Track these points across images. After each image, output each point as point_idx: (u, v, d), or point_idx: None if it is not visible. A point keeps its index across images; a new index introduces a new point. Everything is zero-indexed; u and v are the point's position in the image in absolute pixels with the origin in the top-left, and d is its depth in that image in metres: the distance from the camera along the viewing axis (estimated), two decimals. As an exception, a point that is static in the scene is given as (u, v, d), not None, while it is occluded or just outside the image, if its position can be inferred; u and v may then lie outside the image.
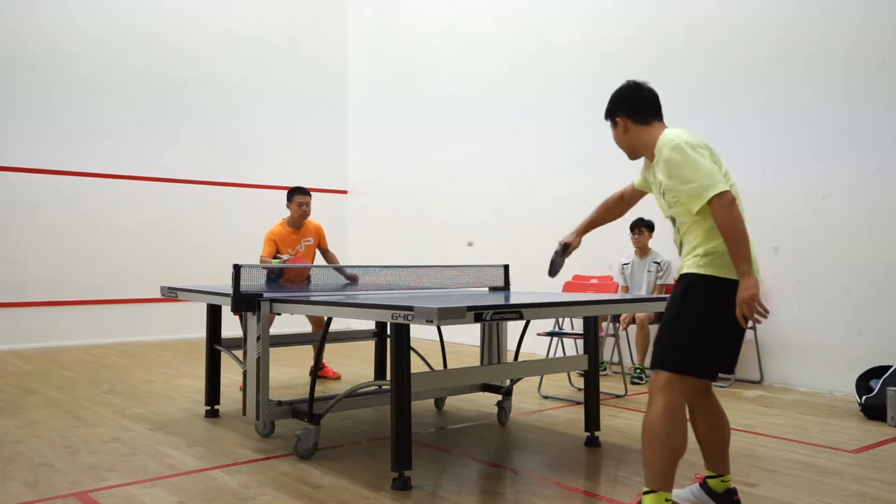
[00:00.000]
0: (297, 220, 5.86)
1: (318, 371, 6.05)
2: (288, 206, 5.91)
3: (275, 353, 4.49)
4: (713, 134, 6.22)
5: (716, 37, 6.26)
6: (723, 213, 2.45)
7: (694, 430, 2.76)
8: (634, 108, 2.75)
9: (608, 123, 2.86)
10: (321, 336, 3.99)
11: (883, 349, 5.15)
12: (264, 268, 4.59)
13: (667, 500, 2.49)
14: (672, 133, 2.60)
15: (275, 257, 5.70)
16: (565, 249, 3.27)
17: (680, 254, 2.75)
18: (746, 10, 6.06)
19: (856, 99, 5.41)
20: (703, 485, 2.81)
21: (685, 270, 2.61)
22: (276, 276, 5.29)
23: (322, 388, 5.39)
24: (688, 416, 2.68)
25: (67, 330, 8.24)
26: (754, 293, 2.41)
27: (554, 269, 3.30)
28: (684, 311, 2.57)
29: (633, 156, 2.86)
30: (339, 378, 6.03)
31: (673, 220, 2.78)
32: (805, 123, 5.68)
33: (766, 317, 2.44)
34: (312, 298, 3.80)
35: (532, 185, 7.91)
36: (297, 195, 5.86)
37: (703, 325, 2.54)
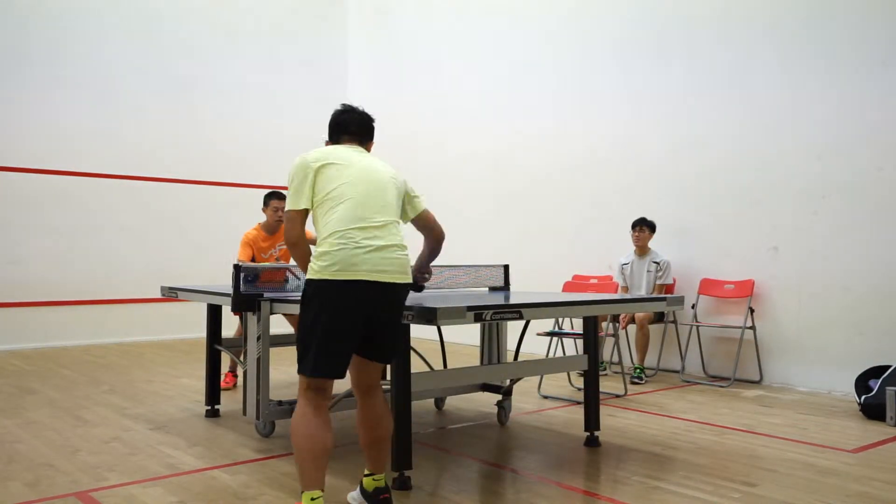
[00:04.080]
0: (273, 226, 5.68)
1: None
2: (264, 211, 5.73)
3: (275, 353, 4.49)
4: (713, 133, 6.26)
5: (715, 36, 6.26)
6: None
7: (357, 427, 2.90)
8: (331, 130, 3.04)
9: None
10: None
11: (882, 349, 5.15)
12: (264, 268, 4.59)
13: (312, 499, 2.57)
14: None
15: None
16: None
17: None
18: (747, 9, 6.06)
19: (856, 99, 5.41)
20: (361, 483, 2.90)
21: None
22: (252, 278, 5.26)
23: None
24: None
25: (67, 330, 8.24)
26: None
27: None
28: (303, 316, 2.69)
29: None
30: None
31: None
32: (805, 123, 5.69)
33: None
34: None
35: (532, 185, 7.91)
36: (273, 200, 5.67)
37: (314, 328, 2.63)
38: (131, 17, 8.85)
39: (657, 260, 6.35)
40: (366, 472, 2.87)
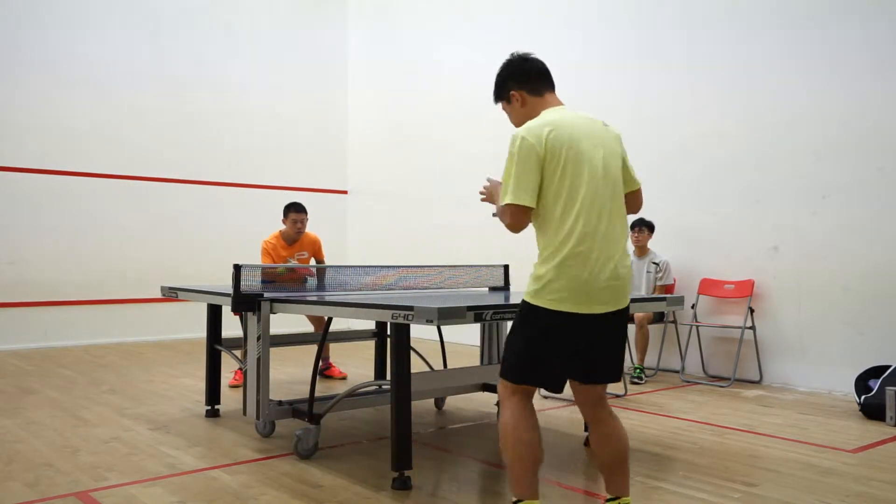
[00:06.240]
0: (292, 236, 5.87)
1: (324, 371, 6.10)
2: (283, 222, 5.89)
3: (275, 353, 4.50)
4: (713, 133, 6.26)
5: (716, 36, 6.26)
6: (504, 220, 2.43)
7: (593, 447, 2.60)
8: (528, 78, 2.59)
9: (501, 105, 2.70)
10: (322, 335, 3.99)
11: (882, 349, 5.15)
12: (265, 268, 4.59)
13: None
14: (535, 122, 2.45)
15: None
16: None
17: None
18: (747, 9, 6.06)
19: (856, 99, 5.41)
20: None
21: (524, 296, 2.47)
22: (270, 279, 5.32)
23: (323, 388, 5.40)
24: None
25: (67, 330, 8.24)
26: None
27: None
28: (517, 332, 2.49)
29: None
30: (345, 378, 6.03)
31: None
32: (805, 123, 5.69)
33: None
34: (312, 298, 3.80)
35: (532, 185, 7.90)
36: (293, 212, 5.83)
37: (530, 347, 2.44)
38: (131, 16, 8.85)
39: (656, 261, 6.35)
40: (609, 496, 2.56)
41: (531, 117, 2.54)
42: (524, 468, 2.39)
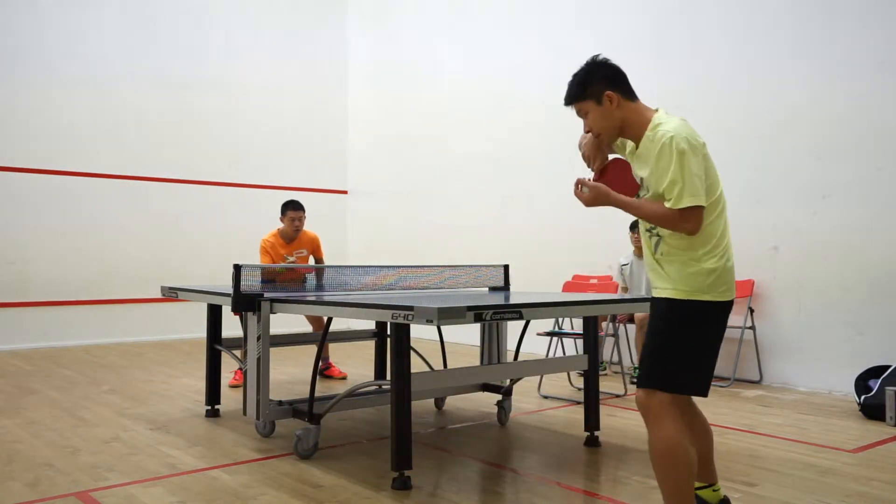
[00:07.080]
0: (290, 234, 5.91)
1: (324, 371, 6.10)
2: (281, 220, 5.93)
3: (275, 353, 4.50)
4: (713, 133, 6.24)
5: (716, 36, 6.26)
6: (676, 224, 2.38)
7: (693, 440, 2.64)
8: (621, 81, 2.53)
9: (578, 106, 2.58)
10: (322, 335, 3.99)
11: (882, 349, 5.15)
12: (265, 268, 4.59)
13: None
14: (673, 123, 2.42)
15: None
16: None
17: (655, 258, 2.55)
18: (747, 9, 6.06)
19: (856, 99, 5.41)
20: (696, 497, 2.61)
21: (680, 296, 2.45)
22: (270, 279, 5.32)
23: (323, 388, 5.40)
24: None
25: (67, 330, 8.24)
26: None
27: None
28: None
29: (614, 138, 2.61)
30: (345, 378, 6.04)
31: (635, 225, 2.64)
32: (805, 123, 5.69)
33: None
34: (312, 298, 3.80)
35: (532, 185, 7.91)
36: (290, 210, 5.86)
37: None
38: (131, 17, 8.85)
39: (657, 260, 6.34)
40: (700, 484, 2.62)
41: (625, 121, 2.53)
42: (691, 487, 2.36)
